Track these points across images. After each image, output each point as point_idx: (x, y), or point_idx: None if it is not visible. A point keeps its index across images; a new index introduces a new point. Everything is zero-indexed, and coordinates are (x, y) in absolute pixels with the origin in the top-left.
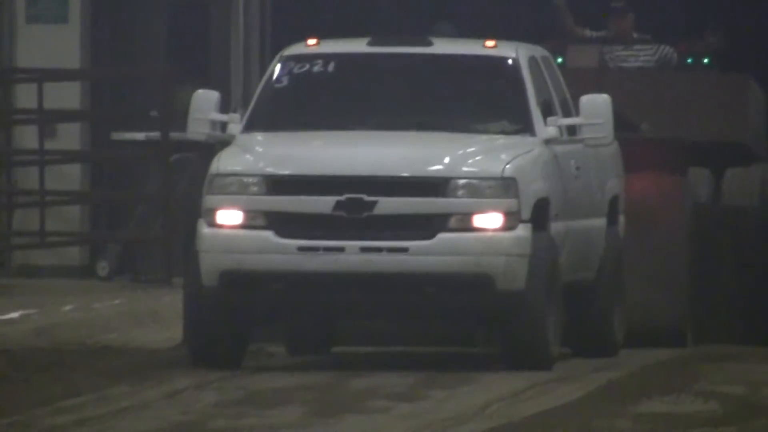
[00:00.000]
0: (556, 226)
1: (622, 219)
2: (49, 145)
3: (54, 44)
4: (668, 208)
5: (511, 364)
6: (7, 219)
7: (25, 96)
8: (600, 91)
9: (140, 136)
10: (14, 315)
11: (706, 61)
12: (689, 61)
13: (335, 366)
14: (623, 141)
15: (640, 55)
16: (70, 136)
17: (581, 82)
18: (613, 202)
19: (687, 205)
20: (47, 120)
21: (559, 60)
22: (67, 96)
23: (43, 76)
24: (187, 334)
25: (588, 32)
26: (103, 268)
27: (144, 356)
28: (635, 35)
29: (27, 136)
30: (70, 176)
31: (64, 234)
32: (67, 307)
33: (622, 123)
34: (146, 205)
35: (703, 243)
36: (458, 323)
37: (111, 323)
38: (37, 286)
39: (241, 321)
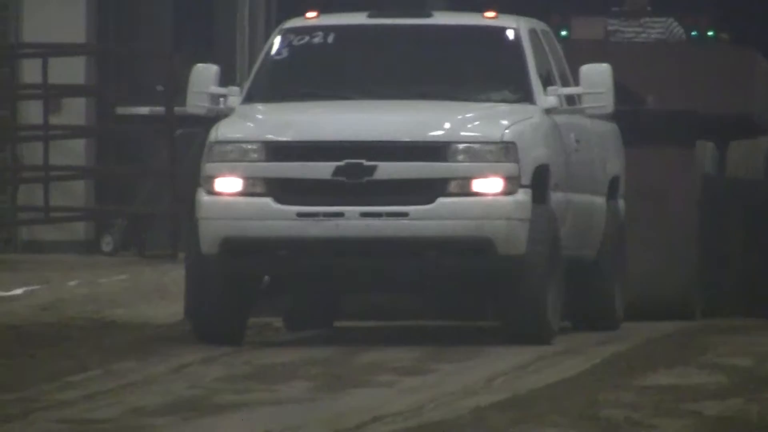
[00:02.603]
0: (556, 196)
1: (622, 202)
2: (54, 120)
3: (60, 19)
4: (677, 181)
5: (512, 333)
6: (12, 194)
7: (30, 71)
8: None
9: (145, 110)
10: (20, 291)
11: (710, 33)
12: (694, 34)
13: (341, 340)
14: (632, 113)
15: (650, 31)
16: (75, 111)
17: (586, 54)
18: (614, 182)
19: (696, 178)
20: (52, 95)
21: (563, 33)
22: (72, 71)
23: (48, 51)
24: (188, 305)
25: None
26: (108, 243)
27: (150, 331)
28: (649, 8)
29: (32, 111)
30: (75, 151)
31: (69, 209)
32: (73, 283)
33: (626, 96)
34: (152, 180)
35: (712, 215)
36: (459, 289)
37: (117, 298)
38: (43, 262)
39: (242, 289)
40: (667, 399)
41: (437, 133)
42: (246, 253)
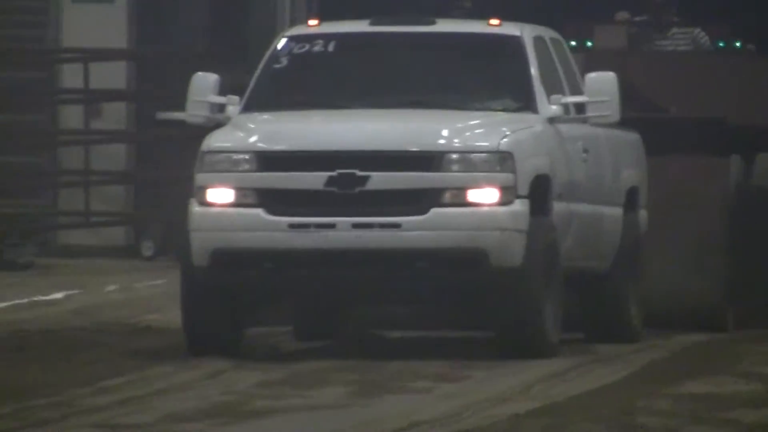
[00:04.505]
0: (559, 206)
1: (644, 213)
2: (94, 124)
3: (100, 24)
4: (709, 190)
5: (508, 346)
6: (52, 199)
7: (70, 76)
8: (629, 73)
9: (185, 115)
10: (57, 295)
11: (737, 44)
12: (721, 44)
13: (374, 348)
14: (664, 121)
15: (678, 43)
16: (115, 116)
17: (610, 64)
18: (632, 193)
19: (729, 187)
20: (92, 100)
21: (588, 44)
22: (112, 76)
23: (88, 56)
24: (183, 318)
25: (626, 15)
26: (148, 248)
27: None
28: (675, 19)
29: (72, 116)
30: (114, 156)
31: (108, 214)
32: (110, 288)
33: (649, 106)
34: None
35: (744, 225)
36: (453, 303)
37: (153, 303)
38: (81, 266)
39: (235, 301)
40: (702, 407)
41: (431, 143)
42: (237, 265)
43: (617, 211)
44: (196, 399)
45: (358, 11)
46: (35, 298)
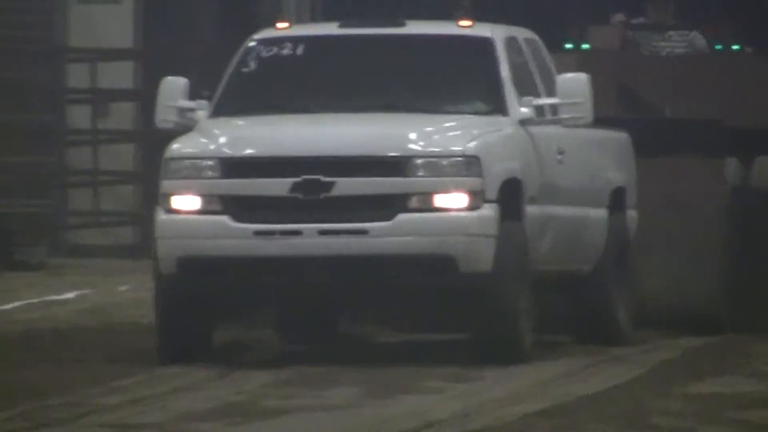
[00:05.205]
0: (531, 210)
1: (633, 214)
2: (101, 124)
3: (107, 23)
4: (706, 193)
5: (482, 351)
6: (61, 199)
7: (77, 75)
8: (622, 74)
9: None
10: (68, 295)
11: (736, 47)
12: (718, 47)
13: (385, 350)
14: (663, 122)
15: (674, 45)
16: (122, 116)
17: (602, 66)
18: (617, 194)
19: (725, 189)
20: (100, 99)
21: (585, 46)
22: (119, 75)
23: (95, 56)
24: (155, 325)
25: (622, 17)
26: None
27: None
28: (673, 21)
29: (80, 116)
30: (123, 156)
31: (117, 214)
32: (121, 288)
33: (643, 107)
34: None
35: (741, 228)
36: (422, 308)
37: None
38: (91, 266)
39: (202, 309)
40: (712, 407)
41: (397, 147)
42: (203, 272)
43: (601, 213)
44: (208, 399)
45: (360, 6)
46: (47, 298)
